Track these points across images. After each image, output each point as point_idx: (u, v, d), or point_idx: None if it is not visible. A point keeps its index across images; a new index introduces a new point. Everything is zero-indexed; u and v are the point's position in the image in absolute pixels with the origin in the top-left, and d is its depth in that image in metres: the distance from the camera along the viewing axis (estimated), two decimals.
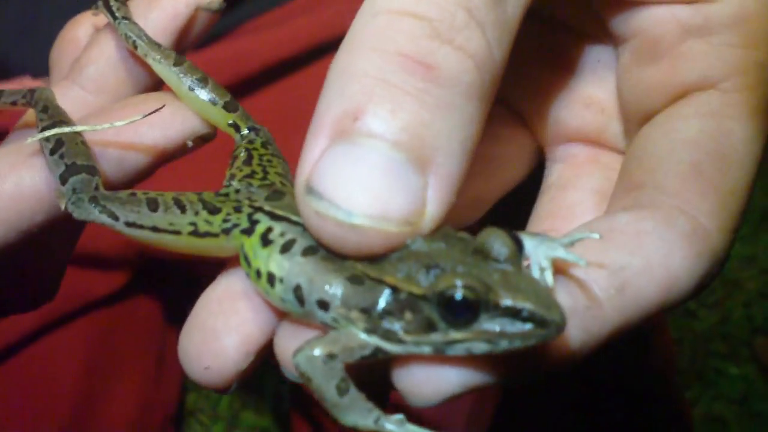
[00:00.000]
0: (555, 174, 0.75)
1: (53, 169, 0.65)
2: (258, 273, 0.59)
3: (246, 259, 0.61)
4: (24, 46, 1.39)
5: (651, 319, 0.57)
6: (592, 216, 0.68)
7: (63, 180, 0.64)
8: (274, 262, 0.58)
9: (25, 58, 1.40)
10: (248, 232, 0.61)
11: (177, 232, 0.63)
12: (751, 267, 2.61)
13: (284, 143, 1.35)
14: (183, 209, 0.63)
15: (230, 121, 0.71)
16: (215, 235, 0.63)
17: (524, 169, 0.80)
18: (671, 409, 1.79)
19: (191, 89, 0.70)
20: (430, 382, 0.54)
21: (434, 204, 0.52)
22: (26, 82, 1.40)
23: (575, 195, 0.72)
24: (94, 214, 0.63)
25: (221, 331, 0.61)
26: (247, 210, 0.63)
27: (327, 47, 1.47)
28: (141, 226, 0.63)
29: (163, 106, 0.68)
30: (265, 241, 0.60)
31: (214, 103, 0.70)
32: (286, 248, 0.58)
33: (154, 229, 0.63)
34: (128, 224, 0.63)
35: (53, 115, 0.67)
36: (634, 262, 0.56)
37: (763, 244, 2.65)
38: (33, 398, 1.52)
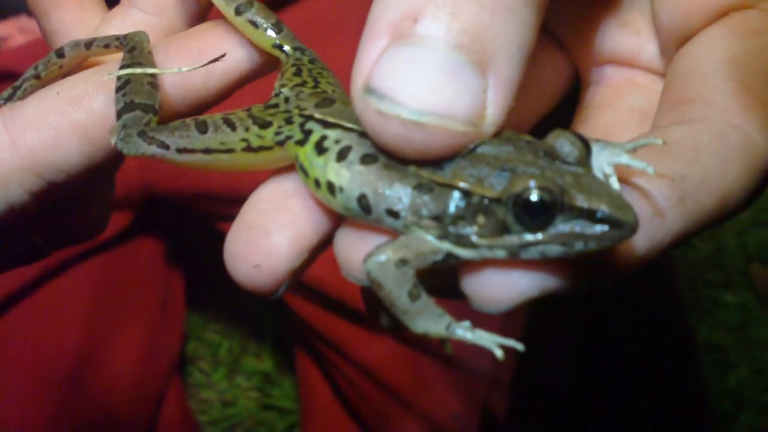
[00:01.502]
0: (591, 95, 0.75)
1: (115, 106, 0.65)
2: (317, 182, 0.59)
3: (303, 169, 0.60)
4: None
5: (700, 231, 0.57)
6: (634, 134, 0.68)
7: (118, 116, 0.64)
8: (331, 170, 0.58)
9: None
10: (302, 142, 0.60)
11: (230, 150, 0.62)
12: None
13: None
14: (233, 127, 0.63)
15: (276, 42, 0.70)
16: (269, 148, 0.62)
17: (560, 92, 0.80)
18: (678, 335, 1.81)
19: (238, 12, 0.69)
20: (502, 286, 0.53)
21: (495, 106, 0.52)
22: (23, 21, 1.37)
23: (613, 114, 0.72)
24: (143, 147, 0.63)
25: (272, 227, 0.60)
26: (298, 120, 0.62)
27: None
28: (193, 150, 0.62)
29: (224, 54, 0.68)
30: (320, 149, 0.59)
31: (259, 25, 0.70)
32: (342, 156, 0.58)
33: (207, 150, 0.62)
34: (180, 150, 0.62)
35: (136, 56, 0.67)
36: (692, 173, 0.56)
37: None
38: (36, 347, 1.51)
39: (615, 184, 0.55)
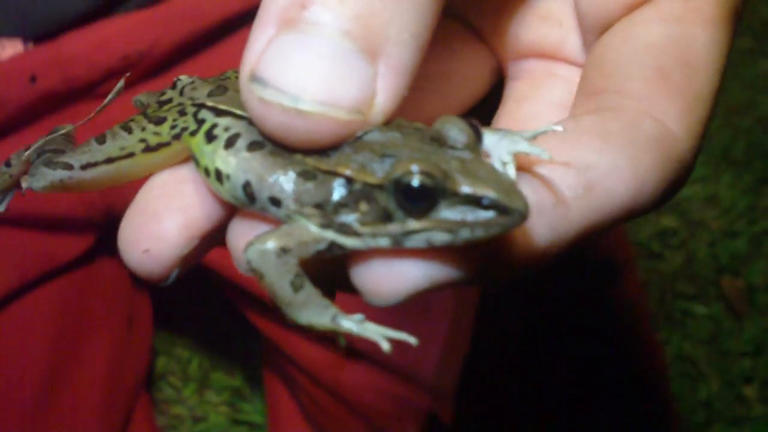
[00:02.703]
0: (513, 88, 0.73)
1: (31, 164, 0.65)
2: (207, 170, 0.58)
3: (195, 158, 0.59)
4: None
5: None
6: None
7: (32, 164, 0.65)
8: (219, 158, 0.57)
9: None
10: (195, 132, 0.60)
11: (131, 154, 0.62)
12: (714, 207, 2.63)
13: None
14: (130, 130, 0.62)
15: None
16: (167, 144, 0.62)
17: (483, 86, 0.78)
18: (644, 348, 1.81)
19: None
20: (391, 277, 0.51)
21: (384, 94, 0.51)
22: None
23: (534, 107, 0.70)
24: (50, 175, 0.62)
25: (163, 213, 0.59)
26: (191, 110, 0.62)
27: None
28: (96, 163, 0.62)
29: (121, 86, 0.68)
30: (210, 137, 0.58)
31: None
32: (230, 143, 0.57)
33: (109, 160, 0.62)
34: (83, 167, 0.62)
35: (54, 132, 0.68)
36: (601, 162, 0.54)
37: (724, 184, 2.68)
38: (2, 367, 1.50)
39: (512, 171, 0.53)
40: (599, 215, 0.54)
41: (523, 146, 0.53)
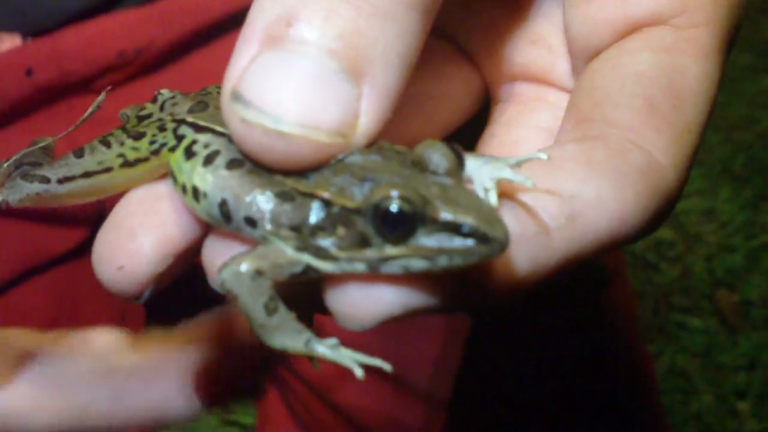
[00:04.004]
0: (500, 112, 0.72)
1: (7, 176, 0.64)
2: (184, 188, 0.57)
3: (172, 175, 0.58)
4: None
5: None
6: None
7: (8, 177, 0.64)
8: (197, 175, 0.56)
9: None
10: (174, 148, 0.59)
11: (109, 169, 0.61)
12: (711, 221, 2.63)
13: None
14: (108, 145, 0.61)
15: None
16: (146, 159, 0.60)
17: (469, 108, 0.77)
18: (633, 361, 1.80)
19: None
20: (365, 302, 0.51)
21: (368, 116, 0.50)
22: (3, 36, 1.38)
23: (520, 132, 0.69)
24: (26, 188, 0.61)
25: (138, 229, 0.58)
26: (170, 126, 0.61)
27: None
28: (73, 177, 0.61)
29: (101, 100, 0.66)
30: (189, 153, 0.57)
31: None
32: (209, 160, 0.56)
33: (86, 174, 0.61)
34: (60, 180, 0.61)
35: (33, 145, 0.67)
36: (585, 191, 0.53)
37: (723, 198, 2.68)
38: None
39: (493, 198, 0.52)
40: (581, 245, 0.53)
41: (507, 173, 0.52)
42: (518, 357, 1.63)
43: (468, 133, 0.74)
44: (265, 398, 1.85)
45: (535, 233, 0.51)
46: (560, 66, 0.69)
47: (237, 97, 0.49)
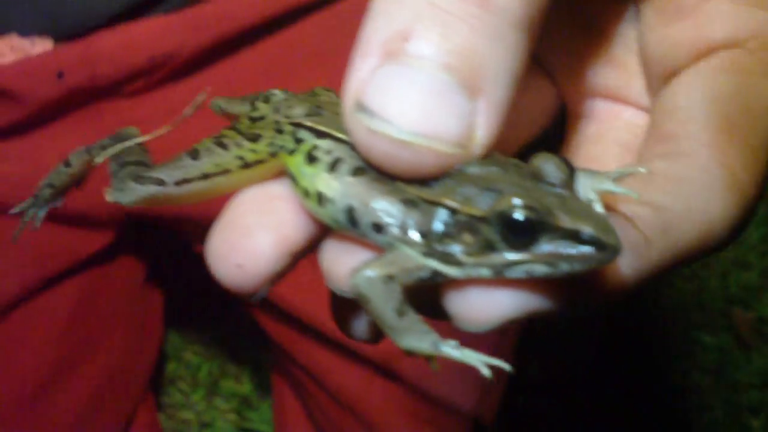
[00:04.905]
0: (578, 128, 0.76)
1: (110, 175, 0.66)
2: (306, 192, 0.59)
3: (293, 178, 0.61)
4: (6, 2, 1.38)
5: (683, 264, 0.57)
6: (616, 167, 0.69)
7: (113, 176, 0.65)
8: (322, 181, 0.58)
9: (10, 14, 1.39)
10: (294, 151, 0.61)
11: (227, 171, 0.63)
12: None
13: None
14: (225, 147, 0.63)
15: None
16: (264, 162, 0.63)
17: (545, 121, 0.80)
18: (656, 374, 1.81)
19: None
20: (486, 305, 0.54)
21: (483, 129, 0.53)
22: (14, 41, 1.39)
23: (598, 147, 0.72)
24: (139, 190, 0.63)
25: (256, 228, 0.61)
26: (288, 129, 0.63)
27: (308, 8, 1.49)
28: (190, 179, 0.63)
29: (201, 99, 0.70)
30: (311, 158, 0.60)
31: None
32: (333, 167, 0.58)
33: (204, 176, 0.63)
34: (178, 182, 0.63)
35: (124, 140, 0.68)
36: (676, 205, 0.57)
37: None
38: (5, 364, 1.51)
39: (599, 209, 0.55)
40: (674, 255, 0.56)
41: (610, 185, 0.56)
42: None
43: (537, 146, 0.77)
44: (283, 407, 1.86)
45: (636, 242, 0.55)
46: (635, 85, 0.72)
47: (361, 107, 0.51)
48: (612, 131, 0.73)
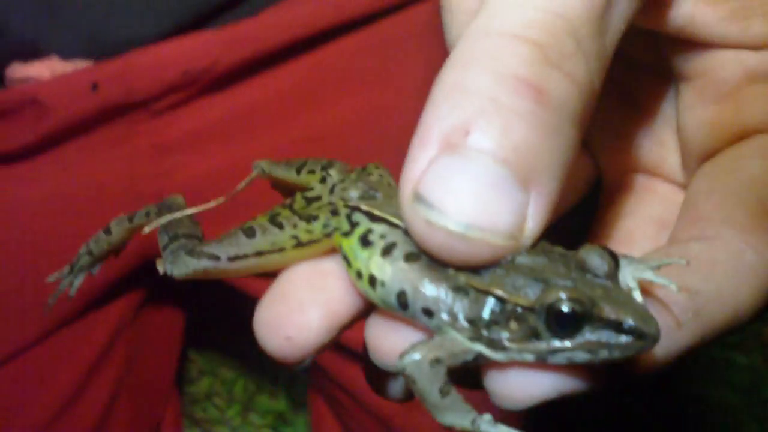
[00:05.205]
0: (613, 201, 0.78)
1: (160, 245, 0.67)
2: (359, 274, 0.61)
3: (346, 259, 0.62)
4: (48, 25, 1.41)
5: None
6: (651, 242, 0.72)
7: (164, 249, 0.66)
8: (375, 264, 0.60)
9: (52, 37, 1.42)
10: (348, 234, 0.63)
11: (281, 249, 0.64)
12: None
13: (305, 117, 1.36)
14: (281, 226, 0.65)
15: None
16: (317, 241, 0.65)
17: (582, 191, 0.82)
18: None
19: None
20: (525, 386, 0.56)
21: (534, 220, 0.54)
22: (54, 63, 1.42)
23: (633, 222, 0.74)
24: (193, 264, 0.64)
25: (307, 303, 0.62)
26: (344, 211, 0.65)
27: (341, 30, 1.51)
28: (244, 256, 0.64)
29: (253, 176, 0.72)
30: (365, 242, 0.61)
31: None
32: (387, 251, 0.60)
33: (258, 254, 0.64)
34: (231, 258, 0.64)
35: (173, 210, 0.70)
36: (708, 288, 0.58)
37: None
38: (29, 391, 1.53)
39: (638, 297, 0.57)
40: (702, 336, 0.58)
41: (650, 275, 0.57)
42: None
43: (572, 214, 0.79)
44: (320, 424, 1.87)
45: (670, 327, 0.57)
46: (671, 160, 0.75)
47: (419, 198, 0.52)
48: (646, 205, 0.75)
